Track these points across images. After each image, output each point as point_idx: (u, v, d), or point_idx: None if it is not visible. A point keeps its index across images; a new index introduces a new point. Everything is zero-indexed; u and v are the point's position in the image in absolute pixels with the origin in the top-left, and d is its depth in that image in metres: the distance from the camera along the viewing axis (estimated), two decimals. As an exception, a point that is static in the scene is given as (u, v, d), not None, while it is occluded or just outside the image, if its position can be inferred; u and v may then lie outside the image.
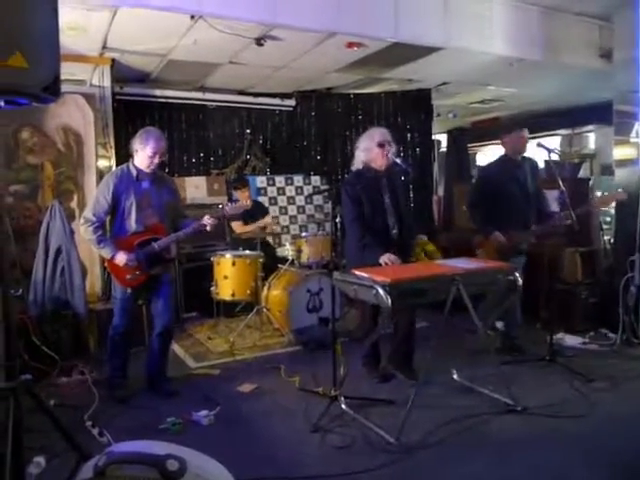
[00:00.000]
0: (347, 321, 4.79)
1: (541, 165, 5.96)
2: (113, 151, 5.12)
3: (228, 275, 4.75)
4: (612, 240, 5.14)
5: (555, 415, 3.07)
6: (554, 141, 8.58)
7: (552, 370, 3.77)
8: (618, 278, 4.50)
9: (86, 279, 4.39)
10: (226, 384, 3.73)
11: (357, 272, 2.99)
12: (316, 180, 7.02)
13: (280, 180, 6.85)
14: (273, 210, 6.65)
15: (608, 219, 5.61)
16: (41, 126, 4.75)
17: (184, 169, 6.40)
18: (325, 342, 4.21)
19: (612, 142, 5.17)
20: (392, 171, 3.66)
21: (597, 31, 5.44)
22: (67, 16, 3.78)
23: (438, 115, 7.81)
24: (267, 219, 5.65)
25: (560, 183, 3.79)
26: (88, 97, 4.97)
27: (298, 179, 6.95)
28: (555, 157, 4.25)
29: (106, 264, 3.50)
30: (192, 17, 4.01)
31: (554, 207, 4.42)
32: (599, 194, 4.10)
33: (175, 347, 4.56)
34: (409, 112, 7.09)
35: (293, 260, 5.08)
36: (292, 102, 6.82)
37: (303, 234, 5.30)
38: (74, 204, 4.85)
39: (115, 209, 3.38)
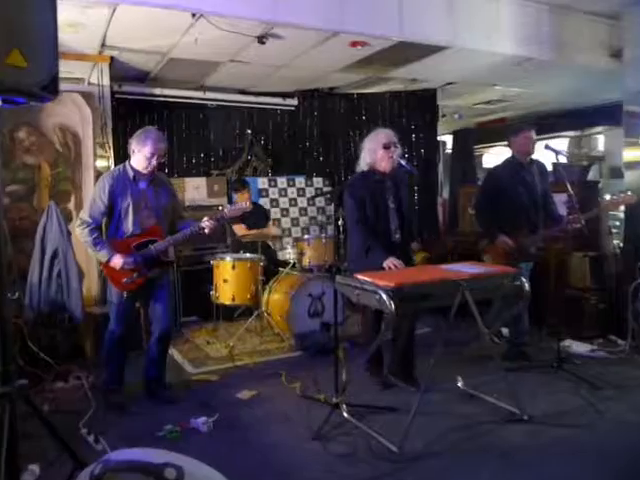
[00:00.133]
0: (349, 326, 4.79)
1: (549, 168, 5.98)
2: (112, 151, 5.13)
3: (228, 278, 4.75)
4: (621, 245, 5.13)
5: (562, 424, 3.07)
6: (562, 143, 8.57)
7: (559, 378, 3.76)
8: (627, 283, 4.49)
9: (83, 282, 4.39)
10: (225, 390, 3.72)
11: (360, 276, 2.99)
12: (318, 182, 7.03)
13: (282, 181, 6.85)
14: (274, 212, 6.66)
15: (617, 223, 5.60)
16: (38, 125, 4.76)
17: (184, 170, 6.41)
18: (327, 348, 4.21)
19: (622, 144, 5.17)
20: (397, 174, 3.66)
21: (607, 30, 5.43)
22: (65, 13, 3.78)
23: (443, 116, 7.81)
24: (272, 229, 5.64)
25: (568, 186, 3.78)
26: (86, 96, 4.98)
27: (300, 180, 6.95)
28: (563, 159, 4.26)
29: (102, 267, 3.49)
30: (193, 15, 4.02)
31: (562, 211, 4.41)
32: (608, 197, 4.09)
33: (173, 352, 4.57)
34: (414, 112, 7.09)
35: (294, 263, 5.08)
36: (294, 102, 6.82)
37: (305, 237, 5.31)
38: (71, 205, 4.86)
39: (111, 211, 3.37)
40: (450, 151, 9.69)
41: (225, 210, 3.61)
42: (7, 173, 4.61)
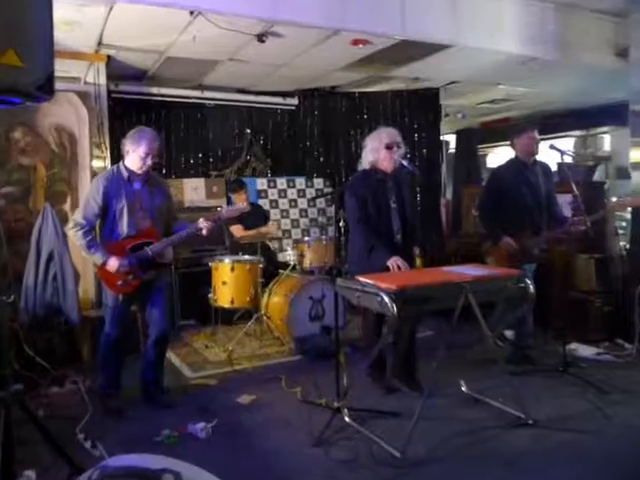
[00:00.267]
0: (351, 330, 4.79)
1: (554, 168, 5.98)
2: (108, 151, 5.13)
3: (227, 281, 4.75)
4: (628, 246, 5.13)
5: (568, 429, 3.07)
6: (567, 143, 8.58)
7: (565, 382, 3.75)
8: (634, 286, 4.49)
9: (79, 285, 4.40)
10: (224, 395, 3.72)
11: (361, 278, 2.99)
12: (319, 182, 7.03)
13: (281, 182, 6.86)
14: (274, 213, 6.67)
15: (624, 224, 5.60)
16: (33, 125, 4.77)
17: (182, 170, 6.41)
18: (328, 351, 4.21)
19: (628, 144, 5.17)
20: (399, 174, 3.67)
21: (613, 28, 5.43)
22: (61, 11, 3.79)
23: (446, 115, 7.82)
24: (270, 228, 5.64)
25: (573, 187, 3.79)
26: (82, 95, 4.99)
27: (300, 181, 6.96)
28: (568, 160, 4.26)
29: (96, 270, 3.49)
30: (191, 13, 4.02)
31: (567, 212, 4.42)
32: (614, 199, 4.11)
33: (171, 356, 4.57)
34: (416, 112, 7.09)
35: (295, 265, 5.08)
36: (294, 101, 6.83)
37: (305, 238, 5.31)
38: (67, 207, 4.87)
39: (106, 212, 3.37)
40: (453, 151, 9.70)
41: (222, 211, 3.62)
42: (2, 174, 4.63)
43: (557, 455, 2.82)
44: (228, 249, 5.68)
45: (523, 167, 4.12)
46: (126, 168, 3.40)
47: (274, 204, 6.76)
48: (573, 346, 4.42)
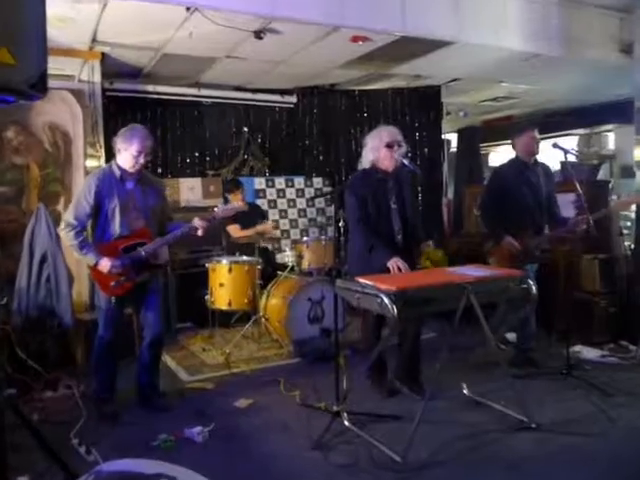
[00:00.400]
0: (350, 332, 4.80)
1: (557, 167, 5.99)
2: (103, 150, 5.13)
3: (224, 282, 4.76)
4: (632, 246, 5.14)
5: (572, 432, 3.07)
6: (571, 141, 8.58)
7: (568, 384, 3.76)
8: (639, 286, 4.49)
9: (73, 287, 4.40)
10: (221, 399, 3.73)
11: (361, 279, 2.99)
12: (318, 182, 7.04)
13: (280, 182, 6.87)
14: (272, 213, 6.67)
15: (628, 224, 5.61)
16: (27, 124, 4.77)
17: (178, 170, 6.42)
18: (327, 354, 4.21)
19: (633, 142, 5.18)
20: (399, 173, 3.68)
21: (617, 24, 5.45)
22: (55, 7, 3.81)
23: (448, 113, 7.82)
24: (267, 225, 5.64)
25: (577, 186, 3.79)
26: (76, 93, 5.00)
27: (299, 181, 6.97)
28: (572, 158, 4.27)
29: (89, 271, 3.48)
30: (187, 9, 4.03)
31: (570, 211, 4.43)
32: (615, 197, 4.12)
33: (167, 359, 4.57)
34: (417, 110, 7.10)
35: (293, 267, 5.09)
36: (293, 99, 6.83)
37: (304, 239, 5.31)
38: (61, 207, 4.87)
39: (98, 212, 3.36)
40: (455, 150, 9.71)
41: (217, 210, 3.61)
42: (-5, 174, 4.63)
43: (561, 459, 2.82)
44: (225, 250, 5.68)
45: (524, 167, 4.14)
46: (118, 167, 3.40)
47: (272, 204, 6.76)
48: (577, 348, 4.42)
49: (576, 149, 8.36)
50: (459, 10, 4.74)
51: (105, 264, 3.28)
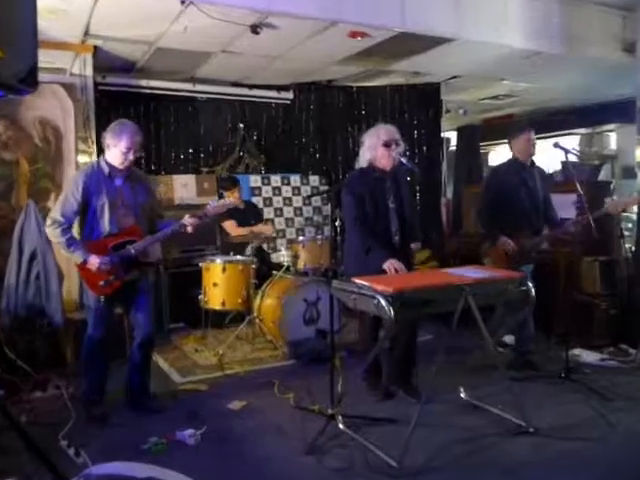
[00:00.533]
0: (346, 334, 4.80)
1: (558, 167, 6.01)
2: (95, 146, 5.11)
3: (218, 282, 4.75)
4: (633, 248, 5.15)
5: (570, 437, 3.07)
6: (572, 141, 8.61)
7: (567, 388, 3.77)
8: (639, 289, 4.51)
9: (63, 285, 4.38)
10: (214, 401, 3.72)
11: (357, 280, 3.00)
12: (315, 180, 7.04)
13: (276, 179, 6.86)
14: (267, 212, 6.66)
15: (629, 225, 5.63)
16: (16, 119, 4.75)
17: (172, 166, 6.40)
18: (322, 356, 4.22)
19: (635, 142, 5.19)
20: (397, 172, 3.68)
21: (620, 22, 5.47)
22: (46, -1, 3.80)
23: (448, 111, 7.83)
24: (266, 227, 5.63)
25: (578, 186, 3.81)
26: (68, 87, 4.98)
27: (295, 179, 6.96)
28: (573, 158, 4.29)
29: (77, 270, 3.46)
30: (182, 2, 4.02)
31: (571, 212, 4.46)
32: (609, 199, 4.15)
33: (159, 360, 4.57)
34: (416, 107, 7.11)
35: (289, 266, 5.08)
36: (289, 95, 6.83)
37: (300, 238, 5.31)
38: (51, 203, 4.83)
39: (86, 209, 3.34)
40: (454, 149, 9.72)
41: (209, 207, 3.60)
42: (-17, 169, 4.61)
43: (559, 464, 2.83)
44: (219, 249, 5.67)
45: (521, 168, 4.20)
46: (107, 163, 3.38)
47: (268, 202, 6.76)
48: (576, 351, 4.44)
49: (577, 149, 8.38)
50: (459, 7, 4.75)
51: (93, 262, 3.26)
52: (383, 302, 2.72)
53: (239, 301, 4.78)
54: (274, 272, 5.16)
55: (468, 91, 7.24)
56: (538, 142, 4.24)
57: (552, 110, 8.33)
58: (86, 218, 3.38)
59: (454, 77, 6.56)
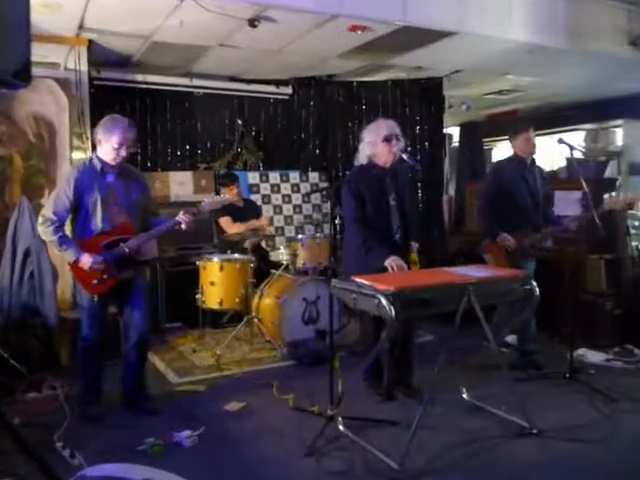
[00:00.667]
0: (346, 334, 4.80)
1: (563, 163, 6.01)
2: (89, 142, 5.10)
3: (215, 281, 4.75)
4: (639, 247, 5.16)
5: (574, 439, 3.08)
6: (577, 137, 8.61)
7: (572, 389, 3.78)
8: (646, 289, 4.52)
9: (57, 284, 4.39)
10: (212, 402, 3.73)
11: (357, 279, 3.00)
12: (314, 177, 7.04)
13: (274, 176, 6.86)
14: (266, 209, 6.65)
15: (636, 223, 5.63)
16: (9, 114, 4.75)
17: (168, 163, 6.39)
18: (322, 357, 4.22)
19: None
20: (398, 169, 3.68)
21: (626, 16, 5.46)
22: (40, -8, 3.80)
23: (450, 107, 7.81)
24: (262, 221, 5.62)
25: (583, 183, 3.82)
26: (62, 82, 4.98)
27: (294, 175, 6.96)
28: (578, 154, 4.31)
29: (69, 268, 3.46)
30: (178, -5, 4.03)
31: (576, 210, 4.48)
32: (608, 196, 4.17)
33: (156, 361, 4.58)
34: (418, 103, 7.09)
35: (288, 265, 5.08)
36: (289, 90, 6.82)
37: (299, 236, 5.31)
38: (45, 200, 4.82)
39: (78, 207, 3.35)
40: (457, 145, 9.72)
41: (203, 203, 3.60)
42: (-24, 166, 4.61)
43: (563, 466, 2.84)
44: (217, 247, 5.67)
45: (521, 165, 4.26)
46: (99, 159, 3.38)
47: (266, 199, 6.75)
48: (581, 351, 4.45)
49: (583, 145, 8.38)
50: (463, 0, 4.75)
51: (86, 260, 3.26)
52: (384, 301, 2.73)
53: (237, 300, 4.78)
54: (273, 271, 5.16)
55: (471, 86, 7.23)
56: (543, 138, 4.29)
57: (557, 105, 8.31)
58: (79, 215, 3.38)
59: (457, 71, 6.55)
